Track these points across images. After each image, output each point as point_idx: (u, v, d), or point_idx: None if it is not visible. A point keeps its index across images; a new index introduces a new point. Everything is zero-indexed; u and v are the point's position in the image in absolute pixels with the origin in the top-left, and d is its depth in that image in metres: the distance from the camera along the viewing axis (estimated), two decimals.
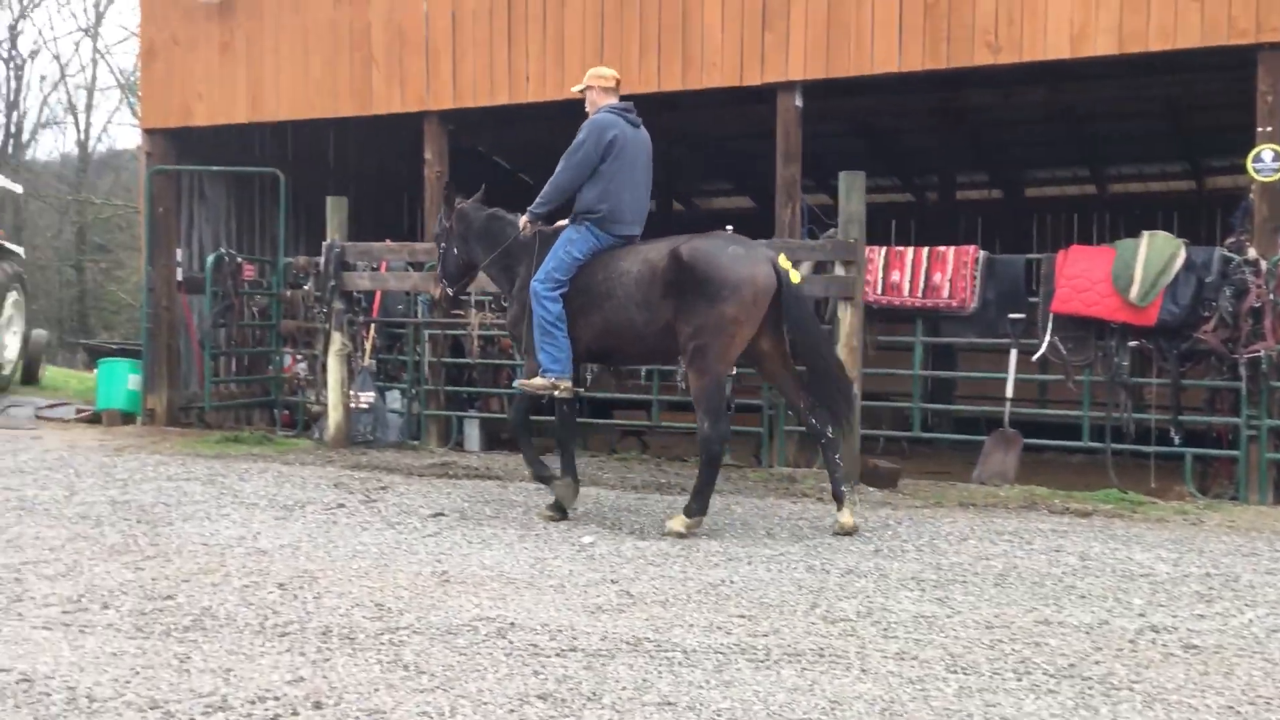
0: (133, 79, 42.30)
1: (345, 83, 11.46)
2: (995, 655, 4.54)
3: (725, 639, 4.70)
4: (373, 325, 11.11)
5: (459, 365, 11.01)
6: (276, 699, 3.99)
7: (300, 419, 11.94)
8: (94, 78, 45.57)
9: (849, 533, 6.77)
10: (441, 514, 7.32)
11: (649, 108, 12.70)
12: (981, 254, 9.72)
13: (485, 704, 3.95)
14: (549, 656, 4.49)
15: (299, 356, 12.00)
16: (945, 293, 9.65)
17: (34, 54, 44.54)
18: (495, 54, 10.80)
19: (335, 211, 10.67)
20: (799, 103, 9.88)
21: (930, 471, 10.10)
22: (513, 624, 4.90)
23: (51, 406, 13.65)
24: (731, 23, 9.99)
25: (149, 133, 12.57)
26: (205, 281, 11.66)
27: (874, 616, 5.10)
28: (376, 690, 4.09)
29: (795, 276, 6.81)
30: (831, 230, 9.23)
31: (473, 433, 11.15)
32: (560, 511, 7.21)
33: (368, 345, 11.07)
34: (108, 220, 38.91)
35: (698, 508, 6.79)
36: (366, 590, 5.45)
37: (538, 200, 7.27)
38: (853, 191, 8.93)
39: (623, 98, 7.54)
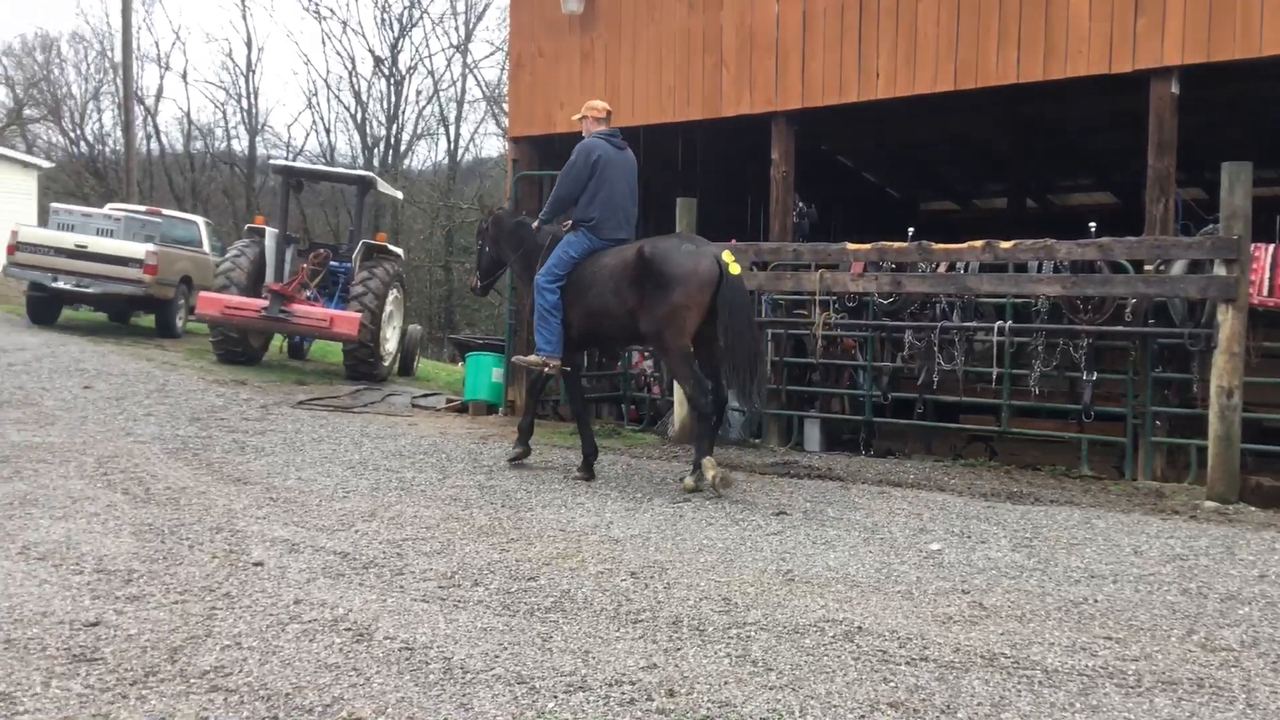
0: (497, 91, 45.41)
1: (696, 87, 11.73)
2: None
3: (1090, 661, 4.43)
4: None
5: (801, 365, 11.01)
6: (632, 683, 4.12)
7: (646, 414, 12.34)
8: (463, 91, 49.15)
9: (690, 491, 7.94)
10: (784, 513, 7.34)
11: (995, 101, 12.26)
12: None
13: (835, 706, 3.91)
14: (899, 664, 4.39)
15: (645, 354, 12.39)
16: None
17: (411, 70, 48.50)
18: (845, 52, 10.73)
19: (685, 213, 10.94)
20: (1175, 89, 9.18)
21: None
22: (860, 628, 4.84)
23: (424, 396, 14.79)
24: (1101, 8, 9.43)
25: (515, 140, 13.39)
26: None
27: (1260, 647, 4.65)
28: (726, 683, 4.14)
29: (735, 269, 7.90)
30: (1211, 226, 8.51)
31: (813, 433, 11.12)
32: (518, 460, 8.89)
33: None
34: (473, 224, 41.79)
35: (707, 450, 7.98)
36: (714, 584, 5.54)
37: (544, 213, 8.75)
38: (1237, 184, 8.20)
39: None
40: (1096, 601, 5.34)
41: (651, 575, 5.69)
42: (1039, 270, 9.51)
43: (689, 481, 8.09)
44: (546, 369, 8.43)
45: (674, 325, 7.91)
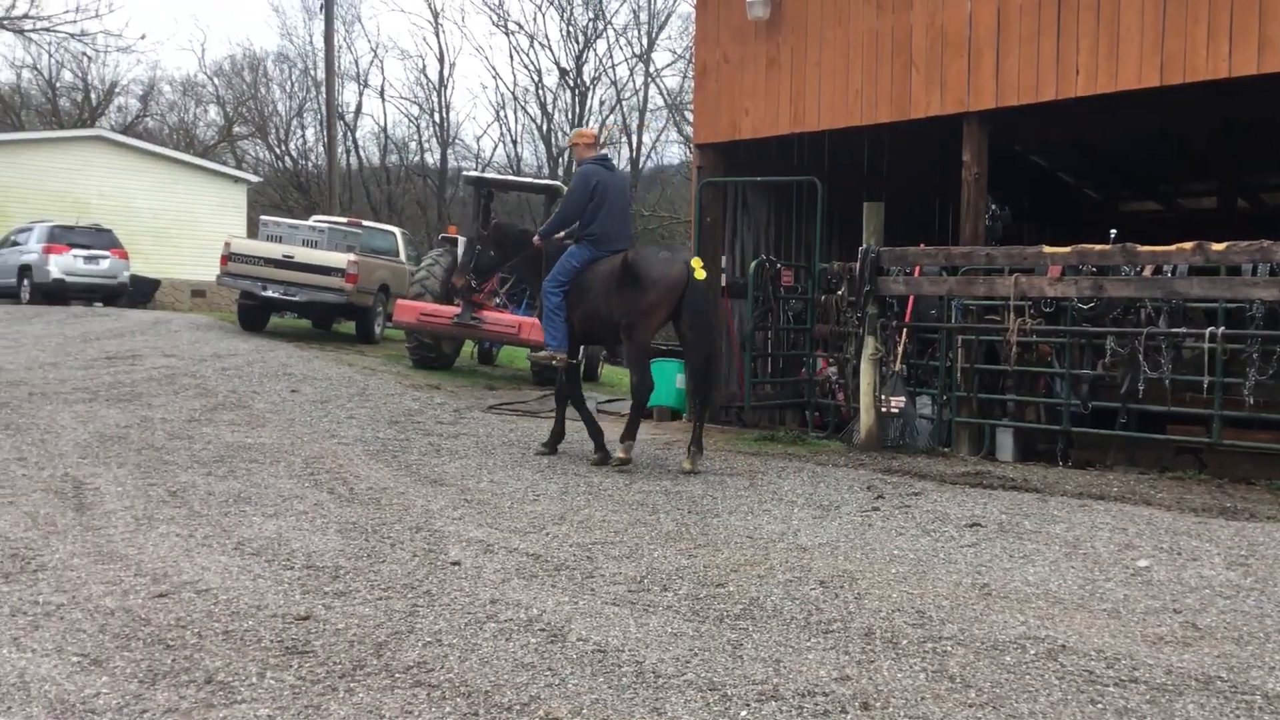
0: (679, 99, 45.73)
1: (884, 89, 11.53)
2: None
3: None
4: (905, 330, 11.08)
5: (993, 372, 10.68)
6: (825, 695, 4.07)
7: (831, 421, 12.19)
8: (645, 99, 49.57)
9: (686, 472, 8.90)
10: (978, 524, 7.13)
11: (1202, 96, 11.58)
12: None
13: None
14: (1106, 685, 4.20)
15: (830, 360, 12.26)
16: None
17: (595, 81, 49.28)
18: (1042, 48, 10.35)
19: (872, 216, 10.76)
20: None
21: None
22: (1063, 646, 4.65)
23: (609, 402, 14.98)
24: None
25: (700, 147, 13.44)
26: (747, 286, 12.25)
27: None
28: (923, 699, 4.04)
29: (700, 274, 9.01)
30: None
31: (1006, 442, 10.76)
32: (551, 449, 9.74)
33: (900, 350, 11.05)
34: (654, 231, 42.23)
35: (628, 435, 9.24)
36: (906, 596, 5.42)
37: (545, 228, 9.80)
38: None
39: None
40: None
41: (841, 585, 5.61)
42: (1254, 273, 8.97)
43: (619, 454, 9.22)
44: (555, 362, 9.41)
45: (644, 320, 9.08)
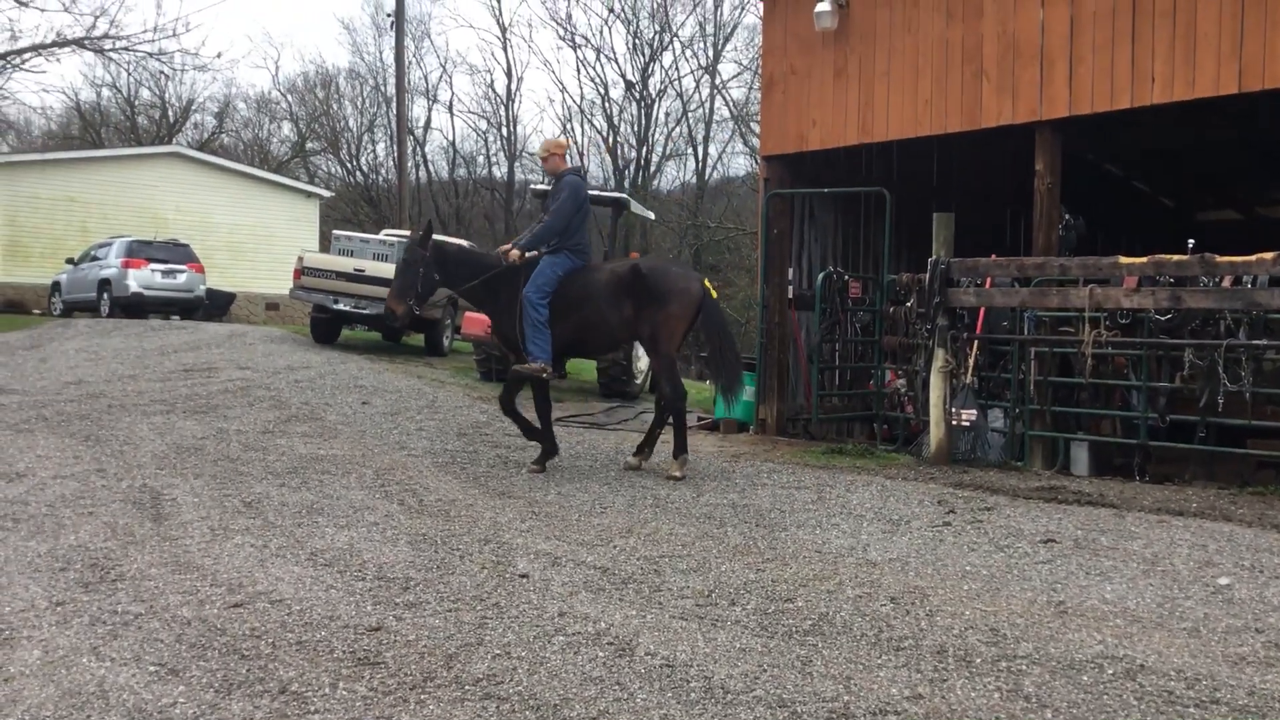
0: (745, 110, 45.63)
1: (954, 99, 11.40)
2: None
3: None
4: (976, 342, 10.92)
5: (1068, 384, 10.49)
6: (897, 713, 4.02)
7: (899, 434, 12.05)
8: (710, 111, 49.50)
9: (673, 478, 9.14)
10: (1053, 540, 7.00)
11: (1275, 102, 11.27)
12: None
13: None
14: (1187, 706, 4.10)
15: (899, 372, 12.13)
16: None
17: (661, 93, 49.36)
18: (1117, 56, 10.17)
19: (942, 228, 10.64)
20: None
21: None
22: (1142, 666, 4.54)
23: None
24: None
25: (767, 159, 13.39)
26: (815, 299, 12.18)
27: None
28: (998, 718, 3.97)
29: (713, 293, 9.53)
30: None
31: (1080, 456, 10.55)
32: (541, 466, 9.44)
33: (970, 362, 10.90)
34: (719, 243, 42.16)
35: (680, 448, 9.42)
36: (979, 613, 5.34)
37: (533, 238, 9.41)
38: None
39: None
40: None
41: (912, 601, 5.54)
42: None
43: (631, 460, 9.69)
44: (545, 375, 9.29)
45: (668, 331, 9.28)
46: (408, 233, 22.03)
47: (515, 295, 9.26)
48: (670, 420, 9.55)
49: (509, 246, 9.58)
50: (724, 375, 9.55)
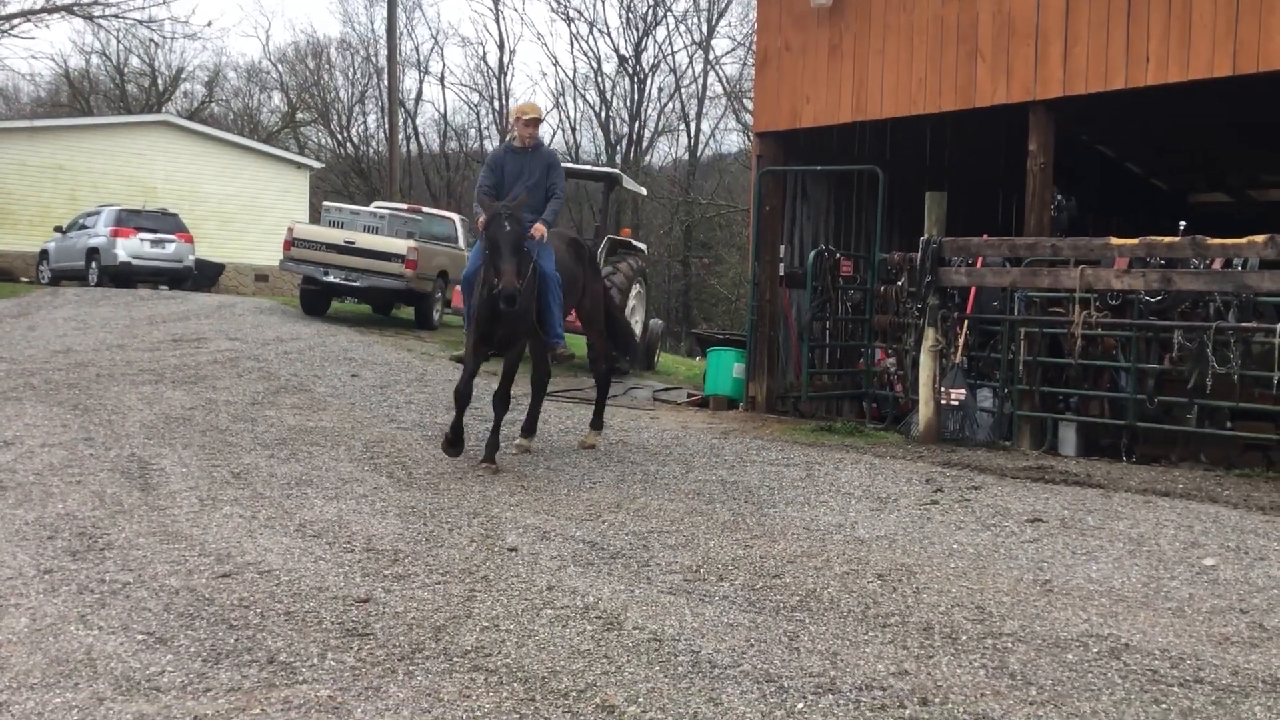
0: (738, 87, 45.47)
1: (949, 78, 11.37)
2: None
3: None
4: (966, 321, 10.94)
5: (1057, 365, 10.52)
6: (883, 689, 4.04)
7: (889, 412, 12.08)
8: (704, 87, 49.29)
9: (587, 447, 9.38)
10: (1040, 520, 7.03)
11: (1269, 85, 11.26)
12: None
13: None
14: (1170, 685, 4.13)
15: (889, 351, 12.15)
16: None
17: (654, 68, 49.14)
18: (1112, 36, 10.14)
19: (934, 207, 10.63)
20: None
21: None
22: (1127, 645, 4.58)
23: (665, 390, 14.97)
24: None
25: (760, 136, 13.34)
26: (806, 277, 12.17)
27: None
28: (983, 695, 4.00)
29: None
30: None
31: (1069, 436, 10.60)
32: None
33: (960, 341, 10.92)
34: (711, 219, 42.10)
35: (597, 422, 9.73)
36: (965, 591, 5.37)
37: (551, 216, 8.86)
38: None
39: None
40: None
41: (899, 578, 5.56)
42: None
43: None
44: (570, 356, 9.56)
45: (596, 305, 9.57)
46: (400, 205, 21.99)
47: (534, 272, 8.59)
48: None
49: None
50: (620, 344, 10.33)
